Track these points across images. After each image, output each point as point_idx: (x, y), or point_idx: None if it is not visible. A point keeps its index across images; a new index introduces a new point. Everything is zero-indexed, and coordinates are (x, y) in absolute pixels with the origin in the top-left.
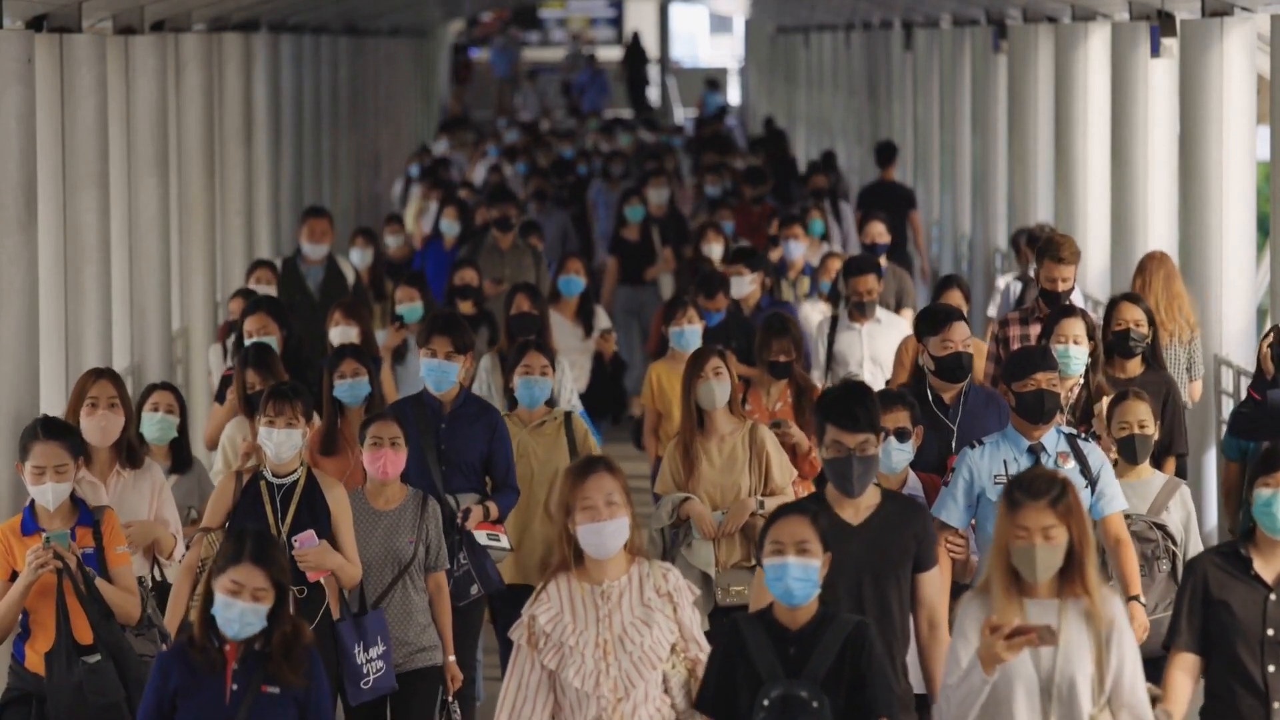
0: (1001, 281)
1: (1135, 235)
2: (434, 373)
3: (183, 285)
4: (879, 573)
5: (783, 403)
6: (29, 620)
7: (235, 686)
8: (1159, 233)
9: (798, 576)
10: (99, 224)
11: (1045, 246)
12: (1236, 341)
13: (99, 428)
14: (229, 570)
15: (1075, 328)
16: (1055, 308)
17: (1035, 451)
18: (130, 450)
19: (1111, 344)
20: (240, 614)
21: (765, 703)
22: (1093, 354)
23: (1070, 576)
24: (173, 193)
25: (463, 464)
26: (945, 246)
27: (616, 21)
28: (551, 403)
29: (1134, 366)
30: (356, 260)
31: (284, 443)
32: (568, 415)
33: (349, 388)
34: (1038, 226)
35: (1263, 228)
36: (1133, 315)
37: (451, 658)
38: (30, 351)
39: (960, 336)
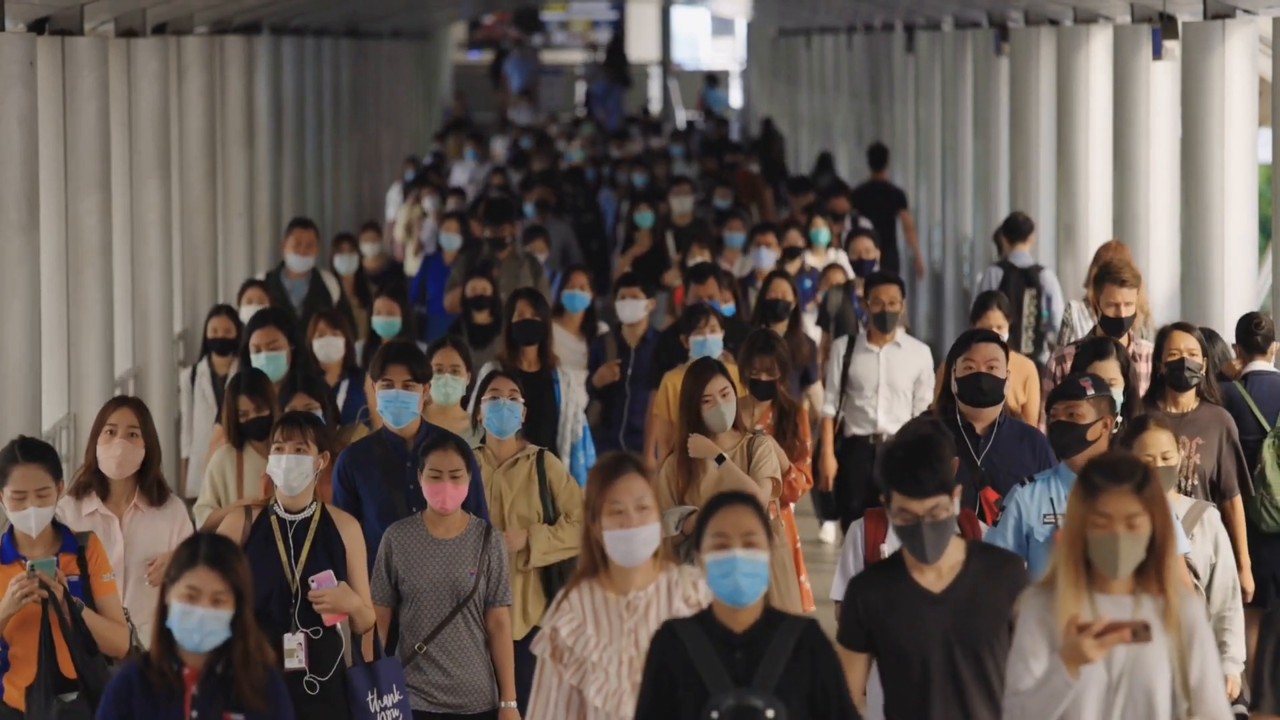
0: (995, 272)
1: (1137, 237)
2: (393, 404)
3: (184, 288)
4: (972, 643)
5: (764, 425)
6: (8, 653)
7: (195, 713)
8: (1160, 235)
9: (746, 572)
10: (101, 227)
11: (1105, 271)
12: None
13: (114, 457)
14: (184, 576)
15: (1109, 370)
16: (1088, 345)
17: None
18: (153, 485)
19: (1165, 376)
20: (200, 621)
21: (714, 714)
22: (1130, 388)
23: (1148, 572)
24: (174, 195)
25: None
26: (947, 249)
27: (618, 24)
28: (544, 426)
29: (1188, 400)
30: (341, 267)
31: (293, 469)
32: (540, 453)
33: None
34: (1013, 215)
35: (1264, 230)
36: (1186, 344)
37: (512, 703)
38: (32, 354)
39: (982, 358)
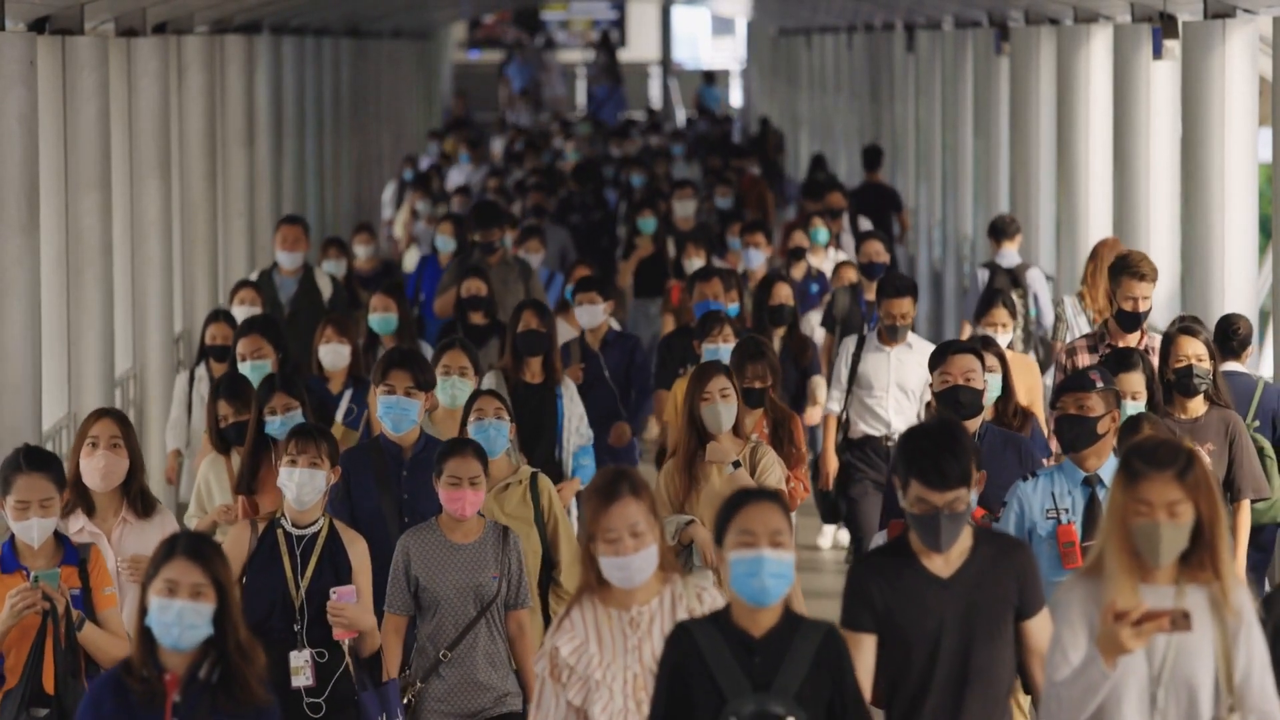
0: (982, 273)
1: (1138, 237)
2: (392, 410)
3: (184, 288)
4: (979, 630)
5: (758, 434)
6: (4, 666)
7: None
8: (1161, 234)
9: (774, 572)
10: (101, 226)
11: (1122, 264)
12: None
13: (98, 469)
14: (161, 570)
15: (1134, 383)
16: (1112, 355)
17: (1090, 484)
18: (138, 496)
19: (1172, 383)
20: (179, 614)
21: None
22: (1153, 398)
23: (1193, 560)
24: (174, 195)
25: (427, 515)
26: (948, 249)
27: (619, 24)
28: (544, 439)
29: (1196, 406)
30: (330, 271)
31: (305, 484)
32: (533, 477)
33: (280, 425)
34: (1001, 217)
35: (1264, 229)
36: (1194, 350)
37: None
38: (32, 354)
39: (959, 370)
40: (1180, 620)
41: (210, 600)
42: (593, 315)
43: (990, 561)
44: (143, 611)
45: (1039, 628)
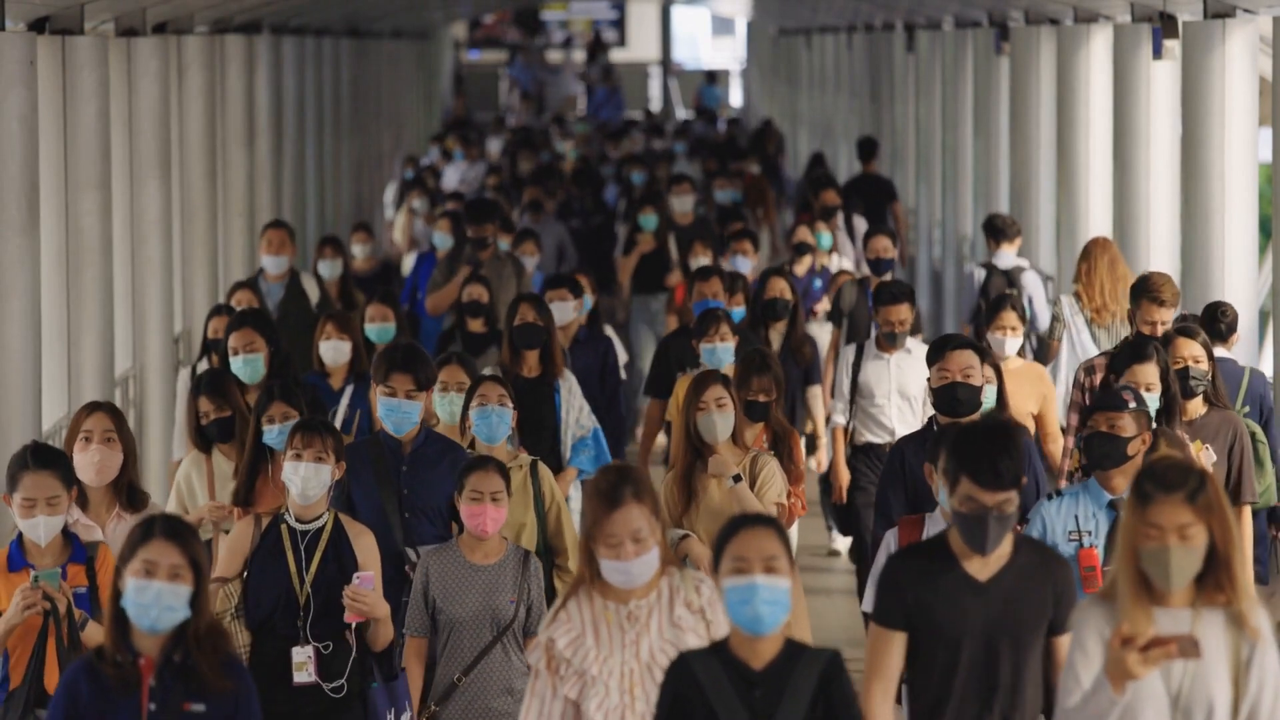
0: (978, 272)
1: (1138, 237)
2: (393, 413)
3: (184, 288)
4: (1009, 637)
5: (758, 448)
6: (8, 666)
7: (153, 706)
8: (1161, 234)
9: (767, 599)
10: (101, 226)
11: (1143, 288)
12: (1237, 343)
13: (93, 464)
14: (139, 551)
15: (1149, 374)
16: (1127, 347)
17: (1115, 507)
18: (131, 491)
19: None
20: (157, 595)
21: None
22: (1168, 396)
23: (1209, 582)
24: (174, 195)
25: (427, 510)
26: (947, 249)
27: (619, 24)
28: (544, 434)
29: (1195, 407)
30: (325, 272)
31: (311, 479)
32: (534, 464)
33: (278, 434)
34: (998, 216)
35: (1265, 230)
36: (1191, 351)
37: None
38: (32, 354)
39: (958, 366)
40: (1189, 647)
41: (188, 582)
42: (562, 313)
43: (1029, 570)
44: (115, 594)
45: (1068, 644)
